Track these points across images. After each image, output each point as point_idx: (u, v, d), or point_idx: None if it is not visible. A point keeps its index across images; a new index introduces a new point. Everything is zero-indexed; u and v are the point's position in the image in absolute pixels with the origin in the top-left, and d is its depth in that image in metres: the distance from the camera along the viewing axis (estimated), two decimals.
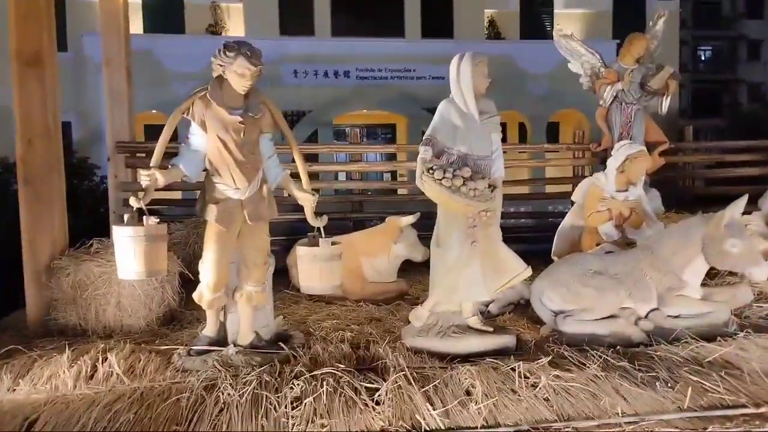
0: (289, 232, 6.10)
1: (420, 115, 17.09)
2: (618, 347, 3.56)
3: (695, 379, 3.05)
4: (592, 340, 3.69)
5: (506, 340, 3.71)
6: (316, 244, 3.60)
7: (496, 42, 21.05)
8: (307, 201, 3.62)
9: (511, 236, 7.06)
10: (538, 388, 2.97)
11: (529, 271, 3.80)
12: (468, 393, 2.95)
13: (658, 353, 3.40)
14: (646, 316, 3.93)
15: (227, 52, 3.28)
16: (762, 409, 2.82)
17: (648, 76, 6.19)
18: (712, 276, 4.45)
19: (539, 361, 3.23)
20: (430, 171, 3.53)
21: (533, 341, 3.87)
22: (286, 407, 2.80)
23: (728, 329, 3.81)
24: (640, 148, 4.76)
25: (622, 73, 6.20)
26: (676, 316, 3.89)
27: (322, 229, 3.64)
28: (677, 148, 7.21)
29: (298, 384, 2.93)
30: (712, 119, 29.62)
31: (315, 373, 3.07)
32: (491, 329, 3.79)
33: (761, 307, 4.14)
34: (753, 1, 34.13)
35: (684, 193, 7.32)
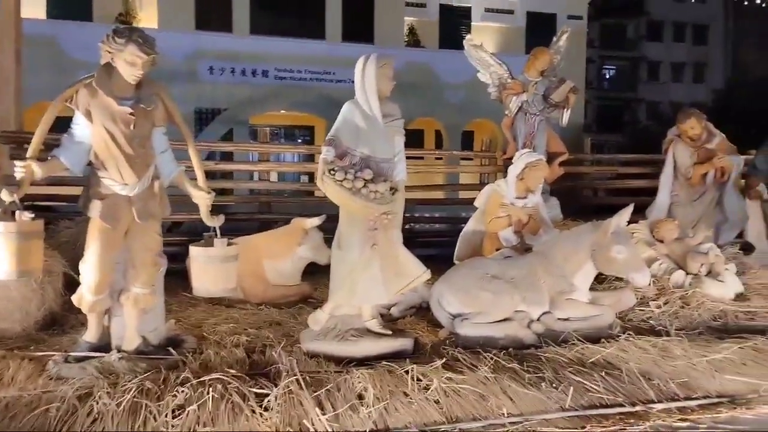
0: (195, 232, 5.86)
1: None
2: (510, 349, 3.65)
3: (577, 379, 3.17)
4: (487, 343, 3.77)
5: (403, 344, 3.72)
6: (212, 245, 3.47)
7: (415, 49, 21.40)
8: (202, 199, 3.47)
9: (425, 240, 7.28)
10: (429, 391, 2.99)
11: (428, 275, 3.83)
12: (360, 397, 2.92)
13: (546, 355, 3.52)
14: (538, 319, 4.06)
15: (117, 38, 3.10)
16: (637, 408, 2.98)
17: (551, 88, 6.45)
18: (600, 281, 4.67)
19: (433, 363, 3.25)
20: (331, 172, 3.49)
21: (430, 344, 3.90)
22: (166, 416, 2.66)
23: (612, 331, 4.00)
24: (538, 157, 4.94)
25: (527, 85, 6.44)
26: (566, 319, 4.05)
27: (218, 229, 3.51)
28: (577, 159, 7.56)
29: (182, 391, 2.80)
30: (614, 134, 31.54)
31: (202, 379, 2.93)
32: (390, 332, 3.80)
33: (643, 310, 4.38)
34: (653, 25, 36.67)
35: (582, 202, 7.69)
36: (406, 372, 3.13)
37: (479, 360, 3.37)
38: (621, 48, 36.61)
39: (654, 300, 4.46)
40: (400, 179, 3.75)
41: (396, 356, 3.56)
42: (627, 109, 36.70)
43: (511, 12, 23.52)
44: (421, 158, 13.28)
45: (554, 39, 6.93)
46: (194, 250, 3.45)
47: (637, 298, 4.49)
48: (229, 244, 3.50)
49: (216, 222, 3.50)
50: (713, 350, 3.56)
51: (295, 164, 9.20)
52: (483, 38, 20.30)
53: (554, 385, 3.13)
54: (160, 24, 18.26)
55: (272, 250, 4.94)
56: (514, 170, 4.88)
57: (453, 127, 20.34)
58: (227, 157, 10.18)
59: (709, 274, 4.68)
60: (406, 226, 8.14)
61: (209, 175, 7.75)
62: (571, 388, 3.05)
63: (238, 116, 18.68)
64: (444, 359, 3.34)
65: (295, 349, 3.63)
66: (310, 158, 8.25)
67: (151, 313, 3.50)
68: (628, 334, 3.85)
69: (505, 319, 3.98)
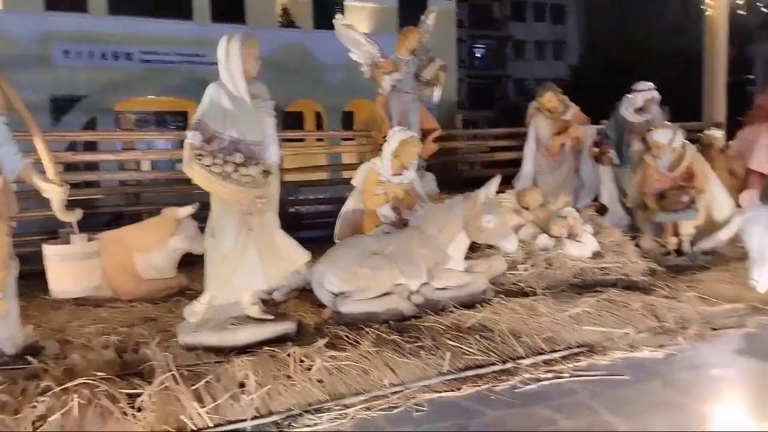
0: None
1: None
2: (392, 322, 3.74)
3: (454, 344, 3.32)
4: (369, 318, 3.83)
5: (286, 327, 3.69)
6: (68, 242, 3.22)
7: (290, 30, 20.96)
8: (54, 193, 3.20)
9: (310, 222, 7.21)
10: (312, 371, 3.00)
11: (307, 257, 3.82)
12: (242, 385, 2.86)
13: (425, 324, 3.65)
14: (417, 291, 4.19)
15: None
16: (507, 365, 3.18)
17: (421, 67, 6.59)
18: (474, 249, 4.89)
19: (315, 343, 3.26)
20: (199, 157, 3.34)
21: (314, 325, 3.90)
22: (26, 428, 2.45)
23: (486, 296, 4.22)
24: (411, 133, 5.05)
25: (398, 64, 6.53)
26: (443, 288, 4.21)
27: (75, 224, 3.26)
28: (450, 135, 7.82)
29: (43, 401, 2.59)
30: (486, 110, 33.08)
31: (67, 385, 2.73)
32: (271, 317, 3.75)
33: (513, 274, 4.65)
34: (517, 6, 38.64)
35: (457, 176, 7.99)
36: (289, 355, 3.12)
37: (361, 335, 3.42)
38: (489, 27, 38.27)
39: (522, 264, 4.75)
40: (272, 162, 3.68)
41: (280, 340, 3.52)
42: (497, 85, 38.56)
43: None
44: (302, 140, 13.13)
45: (422, 18, 7.07)
46: (49, 249, 3.19)
47: (507, 263, 4.75)
48: (89, 240, 3.26)
49: (72, 217, 3.25)
50: (574, 305, 3.86)
51: (165, 151, 8.71)
52: (357, 18, 20.36)
53: (433, 351, 3.25)
54: (6, 5, 16.47)
55: (142, 243, 4.67)
56: (388, 148, 4.96)
57: (333, 108, 20.22)
58: (92, 147, 9.46)
59: (569, 236, 5.05)
60: (291, 210, 8.06)
61: (73, 167, 7.18)
62: (448, 353, 3.19)
63: (101, 103, 17.32)
64: (327, 338, 3.35)
65: (172, 344, 3.49)
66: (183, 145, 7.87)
67: (4, 321, 3.19)
68: (500, 297, 4.07)
69: (385, 294, 4.06)
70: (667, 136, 5.23)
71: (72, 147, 10.96)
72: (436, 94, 6.76)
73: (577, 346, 3.42)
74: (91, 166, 6.78)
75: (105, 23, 17.25)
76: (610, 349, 3.38)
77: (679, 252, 5.33)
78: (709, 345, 3.44)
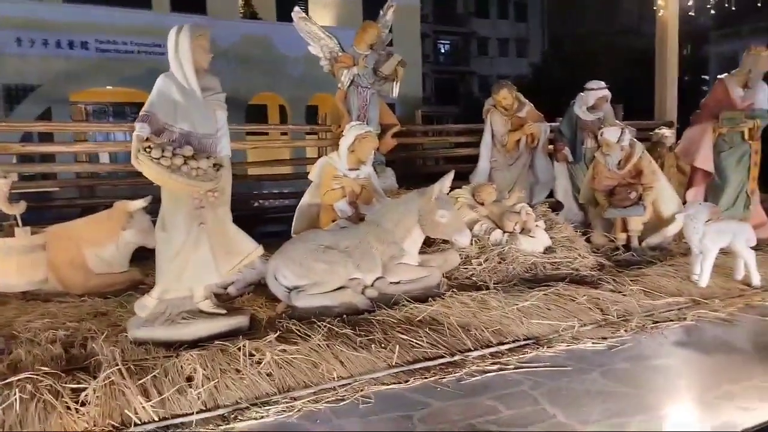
0: None
1: None
2: (346, 316, 3.77)
3: (404, 337, 3.37)
4: (323, 312, 3.86)
5: (238, 321, 3.68)
6: (12, 235, 3.15)
7: (253, 22, 20.69)
8: None
9: (274, 216, 7.16)
10: (262, 365, 3.01)
11: (260, 251, 3.81)
12: (189, 379, 2.86)
13: (378, 318, 3.69)
14: (372, 285, 4.22)
15: None
16: (456, 357, 3.24)
17: (380, 62, 6.60)
18: (429, 244, 4.96)
19: (267, 337, 3.27)
20: (147, 150, 3.30)
21: (267, 319, 3.90)
22: None
23: (439, 290, 4.28)
24: (367, 128, 5.08)
25: (357, 58, 6.53)
26: (397, 282, 4.26)
27: (18, 217, 3.19)
28: (410, 131, 7.87)
29: None
30: (451, 106, 33.31)
31: (9, 380, 2.69)
32: (224, 311, 3.73)
33: (467, 268, 4.73)
34: (480, 2, 38.96)
35: (417, 171, 8.07)
36: (239, 349, 3.12)
37: (313, 329, 3.44)
38: (453, 23, 38.49)
39: (476, 258, 4.83)
40: (224, 155, 3.66)
41: (232, 334, 3.52)
42: (461, 81, 38.84)
43: None
44: (266, 134, 13.01)
45: (381, 13, 7.08)
46: None
47: (462, 258, 4.83)
48: (33, 233, 3.19)
49: (16, 210, 3.18)
50: (523, 299, 3.96)
51: (120, 143, 8.54)
52: (321, 11, 20.23)
53: (383, 345, 3.30)
54: None
55: (93, 237, 4.59)
56: (344, 142, 4.98)
57: (296, 100, 20.08)
58: (48, 139, 9.20)
59: (522, 231, 5.16)
60: (255, 204, 8.00)
61: (28, 158, 6.94)
62: (397, 346, 3.24)
63: (55, 93, 16.84)
64: (278, 332, 3.37)
65: (122, 338, 3.45)
66: None
67: None
68: (453, 291, 4.14)
69: (339, 288, 4.09)
70: (616, 135, 5.38)
71: (27, 138, 10.64)
72: (395, 89, 6.78)
73: (524, 339, 3.51)
74: (46, 158, 6.62)
75: (60, 10, 16.77)
76: (556, 341, 3.48)
77: (627, 247, 5.49)
78: (650, 337, 3.57)
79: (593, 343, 3.45)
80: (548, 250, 5.11)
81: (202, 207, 3.56)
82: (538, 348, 3.38)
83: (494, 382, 2.97)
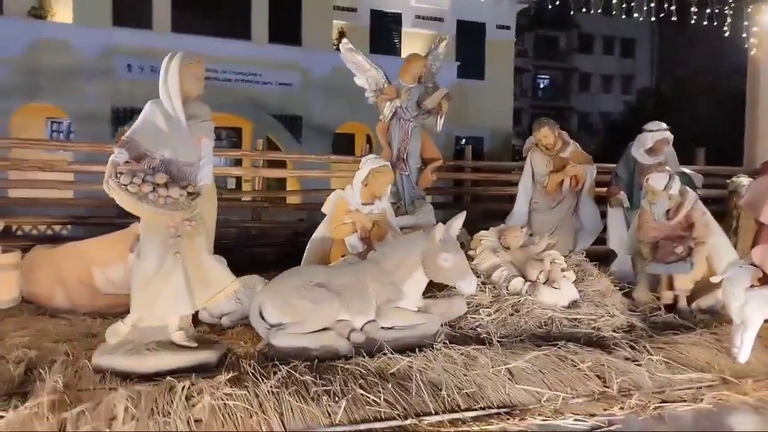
0: None
1: (265, 120, 16.78)
2: (316, 361, 3.52)
3: (362, 392, 3.07)
4: (300, 353, 3.63)
5: (206, 356, 3.55)
6: None
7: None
8: None
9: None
10: (196, 409, 2.83)
11: (236, 284, 3.69)
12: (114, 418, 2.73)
13: (348, 366, 3.40)
14: (361, 329, 3.96)
15: None
16: (408, 421, 2.90)
17: (425, 95, 6.41)
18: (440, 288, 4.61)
19: (217, 378, 3.09)
20: (118, 175, 3.29)
21: (243, 356, 3.74)
22: None
23: (436, 340, 3.93)
24: (383, 162, 4.87)
25: (401, 90, 6.38)
26: (390, 328, 3.97)
27: None
28: (457, 166, 7.56)
29: None
30: None
31: None
32: (194, 345, 3.61)
33: (474, 318, 4.34)
34: (584, 38, 37.77)
35: (463, 208, 7.69)
36: (182, 389, 2.96)
37: (271, 373, 3.23)
38: (553, 59, 37.58)
39: (487, 308, 4.43)
40: (203, 184, 3.59)
41: (196, 370, 3.38)
42: (559, 117, 37.58)
43: (441, 20, 23.69)
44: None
45: (432, 46, 6.90)
46: None
47: (473, 307, 4.45)
48: (5, 251, 3.25)
49: None
50: (520, 358, 3.52)
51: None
52: (415, 45, 20.36)
53: (337, 398, 3.02)
54: (76, 19, 17.54)
55: (103, 257, 4.68)
56: (358, 176, 4.80)
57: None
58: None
59: (547, 281, 4.69)
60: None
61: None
62: (344, 401, 2.95)
63: None
64: (231, 373, 3.18)
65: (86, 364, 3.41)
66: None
67: None
68: (444, 343, 3.78)
69: (323, 329, 3.86)
70: (663, 182, 4.79)
71: None
72: (440, 123, 6.54)
73: (498, 407, 3.10)
74: None
75: (168, 39, 17.95)
76: (533, 413, 3.03)
77: (673, 308, 4.84)
78: (648, 419, 3.03)
79: (575, 420, 2.97)
80: (573, 304, 4.59)
81: (178, 236, 3.50)
82: (508, 419, 2.96)
83: None
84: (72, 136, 16.94)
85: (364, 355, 3.64)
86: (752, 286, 3.69)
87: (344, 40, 6.83)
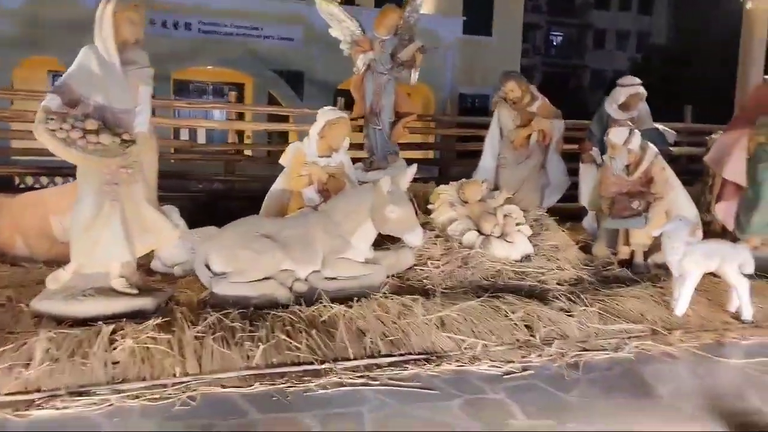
0: None
1: (267, 76, 16.62)
2: (263, 308, 3.56)
3: (286, 338, 3.12)
4: (239, 302, 3.68)
5: (143, 303, 3.58)
6: None
7: (348, 7, 20.74)
8: None
9: None
10: (116, 351, 2.90)
11: (176, 232, 3.72)
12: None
13: (280, 314, 3.44)
14: (306, 279, 3.99)
15: None
16: (324, 366, 2.94)
17: (400, 47, 6.28)
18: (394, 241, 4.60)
19: (147, 322, 3.15)
20: (47, 121, 3.29)
21: (175, 304, 3.76)
22: None
23: (380, 291, 3.95)
24: (340, 114, 4.81)
25: (374, 43, 6.25)
26: (333, 278, 4.00)
27: None
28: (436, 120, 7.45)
29: None
30: (558, 101, 31.61)
31: None
32: (134, 292, 3.66)
33: (423, 270, 4.35)
34: None
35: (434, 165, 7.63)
36: (108, 333, 3.03)
37: (201, 319, 3.28)
38: (568, 15, 36.51)
39: (437, 260, 4.44)
40: (139, 131, 3.57)
41: (133, 316, 3.43)
42: (573, 75, 36.83)
43: None
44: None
45: None
46: None
47: (423, 259, 4.46)
48: None
49: None
50: (451, 308, 3.53)
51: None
52: None
53: (259, 343, 3.07)
54: None
55: (60, 206, 4.69)
56: (314, 127, 4.76)
57: None
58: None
59: (501, 235, 4.67)
60: None
61: None
62: (262, 347, 2.99)
63: (158, 71, 17.86)
64: (160, 318, 3.24)
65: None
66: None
67: None
68: (384, 293, 3.80)
69: (265, 279, 3.90)
70: (622, 136, 4.70)
71: None
72: (414, 76, 6.43)
73: (417, 353, 3.13)
74: None
75: None
76: (450, 360, 3.06)
77: (628, 263, 4.82)
78: (562, 367, 3.04)
79: (490, 365, 2.99)
80: (526, 258, 4.58)
81: (115, 183, 3.52)
82: (423, 365, 2.99)
83: (337, 398, 2.65)
84: None
85: (303, 303, 3.69)
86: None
87: None
